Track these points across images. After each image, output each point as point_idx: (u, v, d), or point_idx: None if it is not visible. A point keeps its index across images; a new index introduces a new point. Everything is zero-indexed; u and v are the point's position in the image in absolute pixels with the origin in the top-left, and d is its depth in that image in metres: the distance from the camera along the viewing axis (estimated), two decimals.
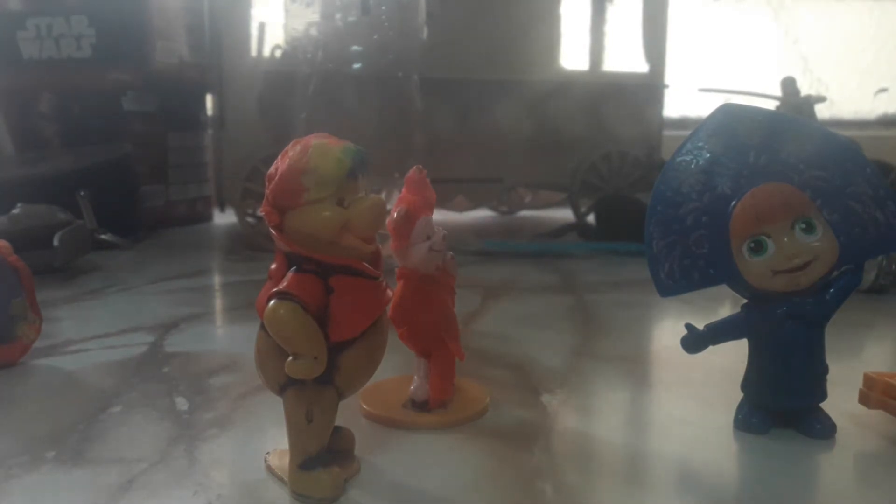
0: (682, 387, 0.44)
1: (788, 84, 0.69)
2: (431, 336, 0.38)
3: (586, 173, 1.03)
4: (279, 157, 0.29)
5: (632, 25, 1.06)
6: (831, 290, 0.35)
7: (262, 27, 0.94)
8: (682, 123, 1.52)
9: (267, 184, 0.29)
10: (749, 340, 0.37)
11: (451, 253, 0.39)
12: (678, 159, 0.38)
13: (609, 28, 1.10)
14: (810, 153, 0.36)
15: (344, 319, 0.29)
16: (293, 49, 0.92)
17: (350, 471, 0.32)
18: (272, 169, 0.29)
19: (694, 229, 0.37)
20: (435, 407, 0.38)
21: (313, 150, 0.28)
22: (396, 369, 0.44)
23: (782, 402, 0.36)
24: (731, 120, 0.38)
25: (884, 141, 1.51)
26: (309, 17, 0.93)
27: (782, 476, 0.33)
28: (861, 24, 1.72)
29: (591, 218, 1.05)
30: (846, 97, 1.73)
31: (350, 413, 0.38)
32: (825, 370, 0.36)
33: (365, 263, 0.30)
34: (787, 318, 0.35)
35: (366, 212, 0.29)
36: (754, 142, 0.37)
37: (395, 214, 0.36)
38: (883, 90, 1.75)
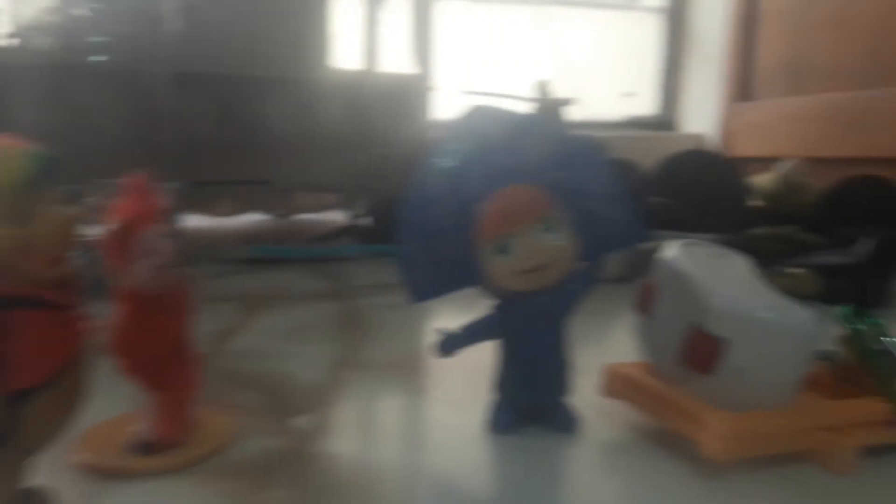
0: (441, 391, 0.43)
1: (542, 87, 0.72)
2: (159, 366, 0.33)
3: (359, 175, 1.01)
4: None
5: (400, 27, 1.06)
6: (572, 287, 0.36)
7: None
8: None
9: None
10: (500, 340, 0.37)
11: (185, 267, 0.34)
12: (429, 163, 0.37)
13: (379, 28, 1.09)
14: (554, 155, 0.37)
15: (26, 363, 0.24)
16: (22, 38, 0.80)
17: None
18: None
19: (444, 233, 0.36)
20: (165, 448, 0.34)
21: None
22: (119, 406, 0.38)
23: (528, 397, 0.37)
24: (480, 124, 0.37)
25: (630, 141, 1.66)
26: (42, 2, 0.81)
27: (533, 472, 0.33)
28: (612, 33, 1.88)
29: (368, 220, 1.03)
30: (598, 100, 1.89)
31: (58, 466, 0.32)
32: (568, 365, 0.37)
33: (53, 290, 0.25)
34: (531, 316, 0.35)
35: (50, 228, 0.24)
36: (502, 145, 0.37)
37: (109, 228, 0.31)
38: (630, 94, 1.93)
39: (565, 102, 0.72)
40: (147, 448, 0.33)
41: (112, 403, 0.36)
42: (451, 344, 0.36)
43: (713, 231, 0.80)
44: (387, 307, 0.62)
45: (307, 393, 0.43)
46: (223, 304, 0.65)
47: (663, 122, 1.91)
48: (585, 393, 0.40)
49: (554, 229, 0.34)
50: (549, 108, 0.71)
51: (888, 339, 0.37)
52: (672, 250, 0.37)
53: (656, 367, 0.37)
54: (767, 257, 0.71)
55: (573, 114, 1.82)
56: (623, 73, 1.91)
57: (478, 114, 0.37)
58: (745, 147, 1.61)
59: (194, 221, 1.09)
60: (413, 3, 1.03)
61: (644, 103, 1.93)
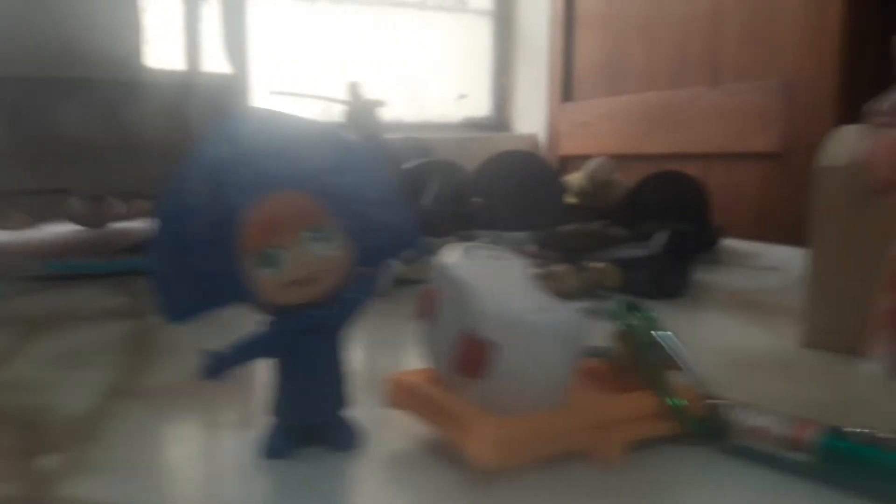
0: (220, 416, 0.41)
1: (354, 88, 0.71)
2: None
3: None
4: None
5: (215, 24, 1.00)
6: (348, 298, 0.35)
7: None
8: None
9: None
10: (273, 358, 0.35)
11: None
12: (186, 169, 0.34)
13: (199, 27, 1.03)
14: (326, 161, 0.35)
15: None
16: None
17: None
18: None
19: (203, 246, 0.33)
20: None
21: None
22: None
23: (308, 419, 0.35)
24: (246, 127, 0.35)
25: (465, 143, 1.68)
26: None
27: (315, 497, 0.31)
28: (443, 36, 1.90)
29: None
30: (434, 102, 1.91)
31: None
32: (346, 379, 0.35)
33: None
34: (305, 330, 0.33)
35: None
36: (271, 149, 0.34)
37: None
38: (463, 96, 1.96)
39: (377, 104, 0.71)
40: None
41: None
42: (216, 366, 0.33)
43: (528, 229, 0.82)
44: (187, 325, 0.58)
45: (66, 427, 0.39)
46: (1, 328, 0.58)
47: (497, 123, 1.96)
48: (372, 405, 0.38)
49: (324, 238, 0.33)
50: (361, 109, 0.70)
51: (659, 332, 0.39)
52: (451, 254, 0.36)
53: (439, 374, 0.36)
54: (575, 252, 0.74)
55: (413, 116, 1.83)
56: (456, 75, 1.94)
57: (246, 117, 0.35)
58: (571, 146, 1.68)
59: None
60: (224, 1, 0.98)
61: (478, 105, 1.97)
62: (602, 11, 1.61)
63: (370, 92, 0.71)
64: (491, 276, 0.36)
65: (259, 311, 0.34)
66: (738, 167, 1.31)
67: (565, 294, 0.65)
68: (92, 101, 0.88)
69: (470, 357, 0.32)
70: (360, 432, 0.36)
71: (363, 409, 0.38)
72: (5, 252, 0.96)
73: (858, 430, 0.30)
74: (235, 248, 0.32)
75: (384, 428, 0.38)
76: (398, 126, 1.70)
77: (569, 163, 1.63)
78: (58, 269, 0.79)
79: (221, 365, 0.34)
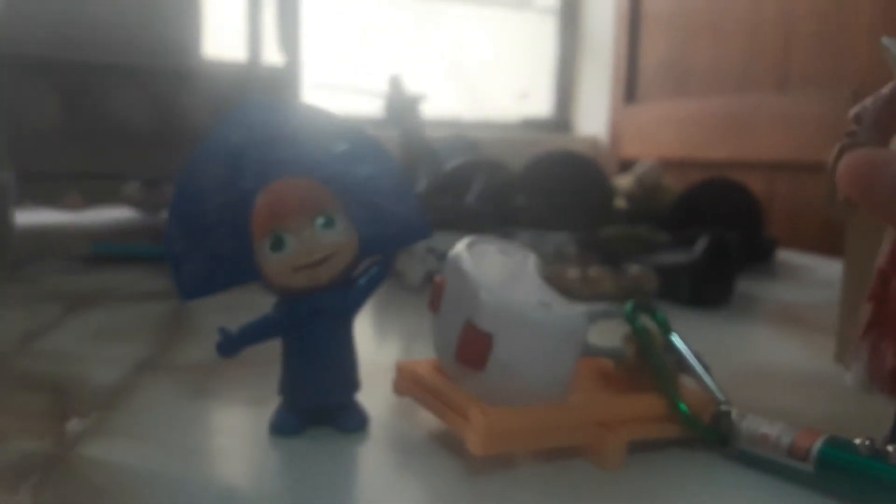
0: (229, 393, 0.42)
1: (395, 82, 0.72)
2: None
3: None
4: None
5: (268, 15, 1.03)
6: (357, 284, 0.35)
7: None
8: None
9: None
10: (282, 340, 0.36)
11: None
12: (201, 153, 0.35)
13: (260, 18, 1.06)
14: (336, 149, 0.36)
15: None
16: None
17: None
18: None
19: (217, 227, 0.34)
20: None
21: None
22: None
23: (315, 400, 0.36)
24: (261, 113, 0.36)
25: (523, 142, 1.68)
26: None
27: (322, 475, 0.32)
28: (506, 33, 1.90)
29: None
30: (494, 101, 1.91)
31: None
32: (354, 363, 0.36)
33: None
34: (312, 314, 0.34)
35: None
36: (282, 135, 0.35)
37: None
38: (525, 95, 1.95)
39: (419, 99, 0.71)
40: None
41: None
42: (230, 345, 0.35)
43: (571, 230, 0.81)
44: (218, 308, 0.60)
45: (95, 396, 0.41)
46: (44, 303, 0.62)
47: (558, 123, 1.95)
48: (378, 392, 0.39)
49: (332, 224, 0.34)
50: (402, 104, 0.71)
51: (670, 335, 0.38)
52: (460, 247, 0.37)
53: (443, 364, 0.37)
54: (616, 256, 0.73)
55: (472, 113, 1.83)
56: (518, 73, 1.93)
57: (259, 104, 0.36)
58: (633, 149, 1.65)
59: (38, 215, 1.04)
60: None
61: (540, 105, 1.96)
62: (669, 11, 1.58)
63: (413, 86, 0.72)
64: (497, 270, 0.36)
65: (271, 293, 0.35)
66: (805, 178, 1.26)
67: (599, 297, 0.64)
68: (149, 88, 0.91)
69: (470, 347, 0.33)
70: (366, 416, 0.37)
71: (376, 395, 0.39)
72: (58, 232, 1.01)
73: (859, 441, 0.29)
74: (247, 230, 0.34)
75: (393, 414, 0.38)
76: (454, 123, 1.71)
77: (630, 166, 1.60)
78: (104, 251, 0.82)
79: (232, 343, 0.35)
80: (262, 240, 0.33)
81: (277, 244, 0.33)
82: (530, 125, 1.91)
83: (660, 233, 0.78)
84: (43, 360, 0.47)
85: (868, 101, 0.29)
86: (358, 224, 0.35)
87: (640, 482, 0.32)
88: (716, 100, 1.43)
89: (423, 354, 0.39)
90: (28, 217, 0.97)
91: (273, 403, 0.37)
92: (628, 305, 0.38)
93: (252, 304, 0.36)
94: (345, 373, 0.36)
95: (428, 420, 0.37)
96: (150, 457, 0.34)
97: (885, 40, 0.29)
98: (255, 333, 0.35)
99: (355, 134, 0.36)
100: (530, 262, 0.37)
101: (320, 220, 0.33)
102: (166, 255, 0.34)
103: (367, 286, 0.36)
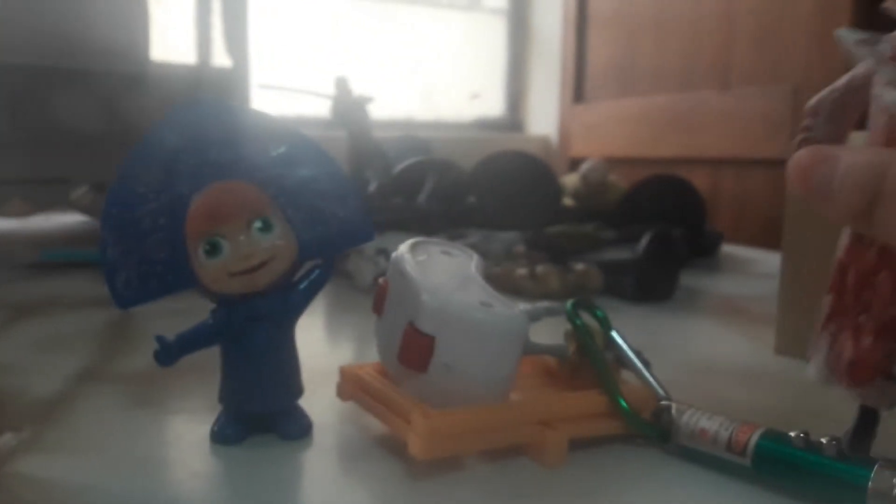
0: (171, 402, 0.41)
1: (341, 83, 0.71)
2: None
3: None
4: None
5: (215, 16, 1.02)
6: (297, 288, 0.35)
7: None
8: None
9: None
10: (221, 347, 0.35)
11: None
12: (135, 156, 0.34)
13: (208, 20, 1.05)
14: (274, 151, 0.36)
15: None
16: None
17: None
18: None
19: (151, 233, 0.34)
20: None
21: None
22: None
23: (254, 407, 0.35)
24: (198, 115, 0.35)
25: (475, 142, 1.69)
26: None
27: (265, 482, 0.31)
28: (457, 33, 1.90)
29: None
30: (447, 101, 1.91)
31: None
32: (296, 369, 0.36)
33: None
34: (250, 320, 0.34)
35: None
36: (219, 138, 0.35)
37: None
38: (476, 95, 1.96)
39: (366, 100, 0.71)
40: None
41: None
42: (168, 353, 0.34)
43: (520, 229, 0.82)
44: (167, 313, 0.59)
45: (31, 408, 0.39)
46: None
47: (510, 123, 1.96)
48: (323, 398, 0.39)
49: (269, 228, 0.33)
50: (348, 105, 0.70)
51: (610, 332, 0.39)
52: (402, 249, 0.37)
53: (386, 366, 0.37)
54: (563, 253, 0.73)
55: (426, 114, 1.83)
56: (470, 74, 1.94)
57: (196, 106, 0.35)
58: (582, 148, 1.67)
59: None
60: None
61: (491, 105, 1.97)
62: (614, 12, 1.60)
63: (363, 87, 0.72)
64: (439, 271, 0.36)
65: (208, 299, 0.35)
66: (747, 173, 1.30)
67: (547, 295, 0.65)
68: (95, 92, 0.89)
69: (412, 349, 0.33)
70: (309, 422, 0.36)
71: (322, 400, 0.38)
72: (4, 239, 0.98)
73: (794, 433, 0.30)
74: (182, 235, 0.33)
75: (337, 419, 0.38)
76: (408, 124, 1.71)
77: (580, 164, 1.62)
78: (52, 258, 0.80)
79: (169, 352, 0.34)
80: (196, 245, 0.33)
81: (213, 249, 0.32)
82: (482, 125, 1.92)
83: (606, 230, 0.80)
84: None
85: (824, 93, 0.30)
86: (297, 227, 0.34)
87: (582, 479, 0.33)
88: (660, 98, 1.46)
89: (374, 357, 0.39)
90: None
91: (213, 413, 0.36)
92: (569, 303, 0.39)
93: (199, 309, 0.35)
94: (286, 378, 0.36)
95: (372, 424, 0.37)
96: (89, 471, 0.33)
97: (840, 32, 0.29)
98: (192, 341, 0.34)
99: (294, 136, 0.36)
100: (473, 262, 0.38)
101: (257, 224, 0.33)
102: (101, 261, 0.33)
103: (308, 290, 0.35)
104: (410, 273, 0.34)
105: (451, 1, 1.85)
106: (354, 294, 0.70)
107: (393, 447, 0.35)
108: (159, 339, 0.34)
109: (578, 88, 1.69)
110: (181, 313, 0.40)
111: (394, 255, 0.37)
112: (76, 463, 0.33)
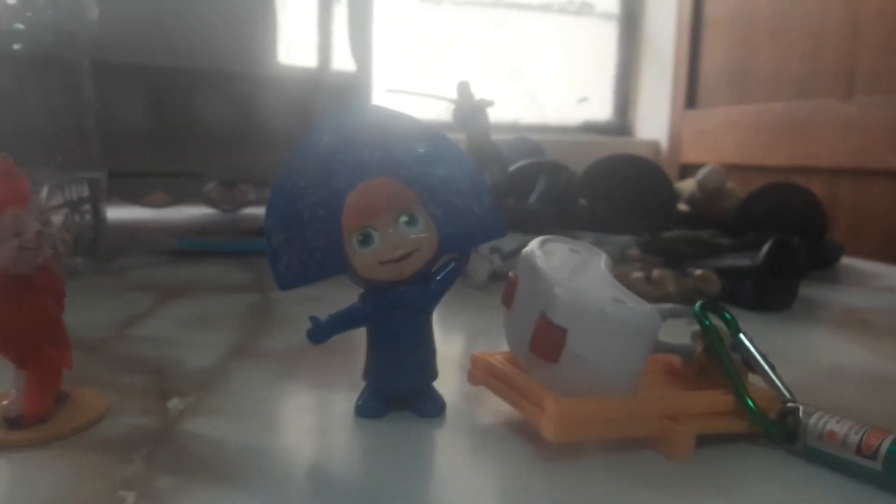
0: (314, 378, 0.45)
1: (464, 87, 0.74)
2: (27, 344, 0.35)
3: None
4: None
5: (341, 22, 1.07)
6: (435, 279, 0.38)
7: None
8: None
9: None
10: (368, 329, 0.38)
11: (52, 250, 0.35)
12: (298, 155, 0.38)
13: (331, 26, 1.10)
14: (419, 151, 0.38)
15: None
16: None
17: None
18: None
19: (311, 223, 0.37)
20: (30, 422, 0.35)
21: None
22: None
23: (395, 386, 0.38)
24: (351, 117, 0.39)
25: (583, 146, 1.68)
26: None
27: (401, 455, 0.34)
28: (572, 39, 1.91)
29: None
30: (554, 105, 1.92)
31: None
32: (433, 353, 0.39)
33: None
34: (394, 306, 0.37)
35: None
36: (369, 139, 0.38)
37: None
38: (584, 99, 1.96)
39: (486, 104, 0.74)
40: (13, 422, 0.34)
41: None
42: (320, 332, 0.38)
43: (634, 233, 0.82)
44: (302, 299, 0.64)
45: (191, 377, 0.44)
46: (136, 293, 0.66)
47: (618, 127, 1.95)
48: (453, 381, 0.41)
49: (415, 222, 0.36)
50: (469, 108, 0.73)
51: (738, 334, 0.39)
52: (533, 245, 0.39)
53: (516, 356, 0.39)
54: (679, 259, 0.73)
55: (532, 118, 1.85)
56: (580, 78, 1.94)
57: (350, 109, 0.39)
58: (693, 154, 1.64)
59: (123, 212, 1.09)
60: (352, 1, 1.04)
61: (600, 109, 1.96)
62: (730, 16, 1.57)
63: (480, 92, 0.74)
64: (570, 267, 0.38)
65: (358, 285, 0.38)
66: (868, 184, 1.24)
67: (663, 299, 0.65)
68: (228, 92, 0.96)
69: (544, 340, 0.35)
70: (444, 402, 0.39)
71: (448, 385, 0.41)
72: (145, 227, 1.06)
73: None
74: (338, 226, 0.36)
75: (467, 402, 0.41)
76: (514, 127, 1.73)
77: (690, 170, 1.59)
78: (188, 246, 0.87)
79: (322, 331, 0.38)
80: (351, 235, 0.36)
81: (365, 240, 0.36)
82: (589, 129, 1.92)
83: (723, 237, 0.79)
84: (140, 345, 0.51)
85: None
86: (438, 222, 0.37)
87: (707, 474, 0.34)
88: (776, 105, 1.42)
89: (487, 349, 0.41)
90: (116, 213, 1.03)
91: (354, 389, 0.39)
92: (697, 305, 0.39)
93: (333, 297, 0.39)
94: (424, 361, 0.38)
95: (501, 408, 0.39)
96: (246, 432, 0.37)
97: None
98: (343, 322, 0.38)
99: (435, 137, 0.39)
100: (602, 260, 0.39)
101: (404, 218, 0.36)
102: (265, 248, 0.37)
103: (445, 281, 0.38)
104: (542, 267, 0.36)
105: (563, 6, 1.86)
106: (468, 291, 0.72)
107: (521, 430, 0.37)
108: (313, 319, 0.38)
109: (691, 93, 1.66)
110: (315, 300, 0.44)
111: (525, 250, 0.39)
112: (236, 426, 0.37)
